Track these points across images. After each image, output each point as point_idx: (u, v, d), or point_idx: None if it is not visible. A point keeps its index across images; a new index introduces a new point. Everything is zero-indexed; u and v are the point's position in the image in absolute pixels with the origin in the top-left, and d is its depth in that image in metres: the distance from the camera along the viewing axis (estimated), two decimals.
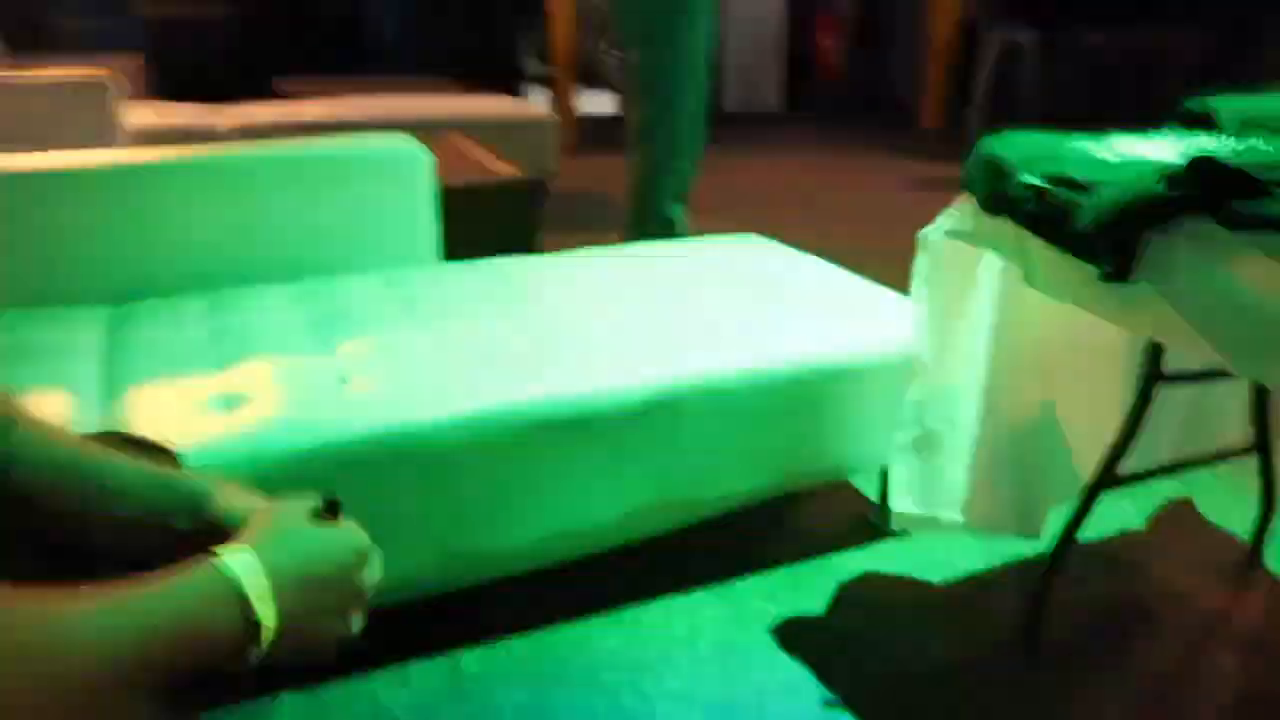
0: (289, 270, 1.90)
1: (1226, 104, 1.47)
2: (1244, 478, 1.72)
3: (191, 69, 5.78)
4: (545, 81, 6.33)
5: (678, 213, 2.54)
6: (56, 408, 1.30)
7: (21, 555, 0.72)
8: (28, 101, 2.96)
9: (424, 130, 3.42)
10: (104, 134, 3.03)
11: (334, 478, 1.25)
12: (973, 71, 5.99)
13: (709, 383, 1.49)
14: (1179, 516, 1.87)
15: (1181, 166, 1.13)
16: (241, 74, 5.54)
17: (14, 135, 2.66)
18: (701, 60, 2.49)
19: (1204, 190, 1.09)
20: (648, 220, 2.52)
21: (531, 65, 7.15)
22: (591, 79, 7.04)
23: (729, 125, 6.71)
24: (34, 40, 5.47)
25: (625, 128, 2.60)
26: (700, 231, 2.36)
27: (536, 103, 5.96)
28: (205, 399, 1.34)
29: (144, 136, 3.34)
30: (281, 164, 1.96)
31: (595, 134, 5.81)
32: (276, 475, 1.22)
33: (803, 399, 1.57)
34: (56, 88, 3.31)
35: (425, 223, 2.01)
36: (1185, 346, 1.20)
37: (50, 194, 1.79)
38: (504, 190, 2.51)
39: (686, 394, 1.48)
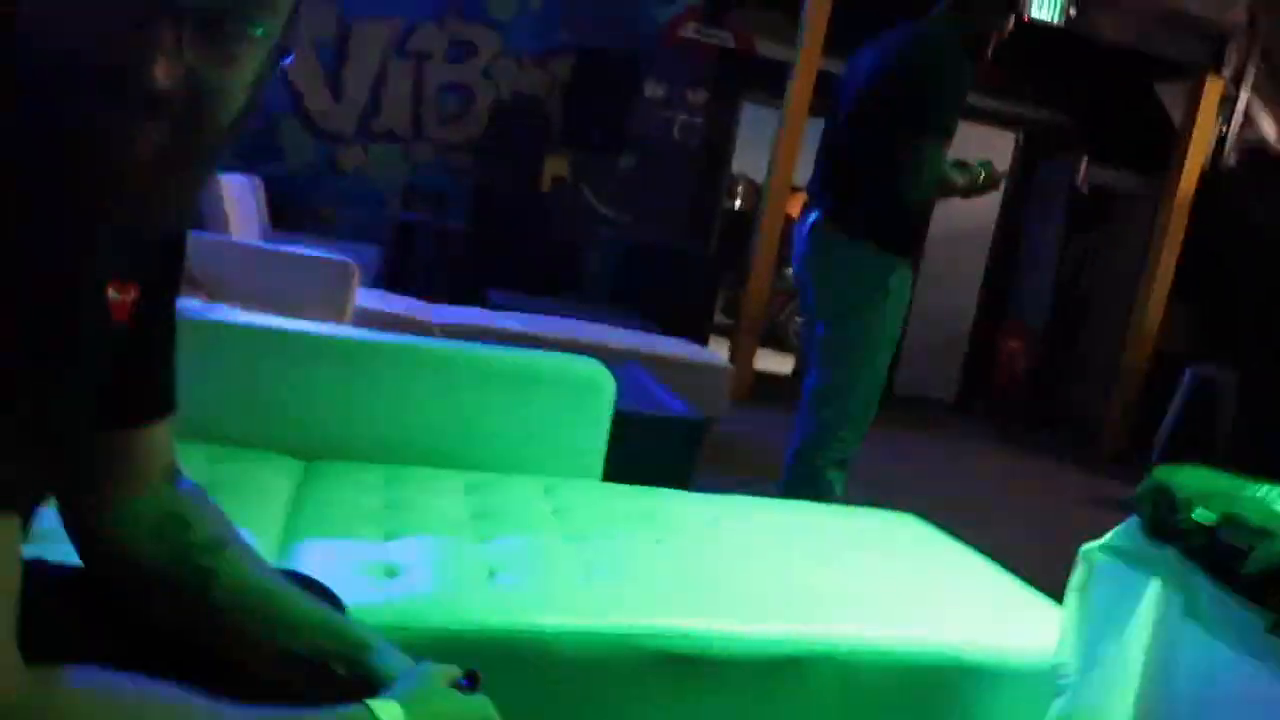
0: (464, 460, 2.04)
1: None
2: None
3: (420, 269, 6.45)
4: (730, 333, 6.66)
5: (837, 479, 2.58)
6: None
7: (199, 668, 0.79)
8: (285, 272, 3.39)
9: (610, 357, 3.67)
10: (339, 310, 3.44)
11: (466, 661, 1.30)
12: (1164, 402, 5.88)
13: (837, 647, 1.47)
14: None
15: None
16: (462, 279, 6.14)
17: (266, 298, 3.04)
18: (888, 343, 2.60)
19: None
20: (808, 480, 2.56)
21: (720, 317, 7.55)
22: (771, 339, 7.33)
23: (899, 408, 6.77)
24: (294, 222, 6.30)
25: (802, 390, 2.71)
26: (855, 502, 2.38)
27: (717, 350, 6.25)
28: (368, 563, 1.44)
29: (369, 318, 3.74)
30: (479, 363, 2.15)
31: (766, 389, 6.00)
32: (415, 648, 1.28)
33: (934, 689, 1.52)
34: (311, 264, 3.80)
35: (595, 442, 2.14)
36: None
37: (280, 351, 2.03)
38: (671, 424, 2.62)
39: (812, 658, 1.46)
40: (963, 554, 1.99)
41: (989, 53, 2.58)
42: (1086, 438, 6.66)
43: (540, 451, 2.12)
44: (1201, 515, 1.28)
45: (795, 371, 7.35)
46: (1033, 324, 7.65)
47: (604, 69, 7.15)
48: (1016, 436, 6.52)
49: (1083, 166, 7.29)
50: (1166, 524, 1.32)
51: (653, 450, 2.52)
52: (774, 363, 7.88)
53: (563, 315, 4.77)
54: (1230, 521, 1.24)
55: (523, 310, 4.73)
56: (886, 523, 2.13)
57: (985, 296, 7.67)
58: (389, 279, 6.07)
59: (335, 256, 3.95)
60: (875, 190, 2.51)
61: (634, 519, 1.83)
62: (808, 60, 5.70)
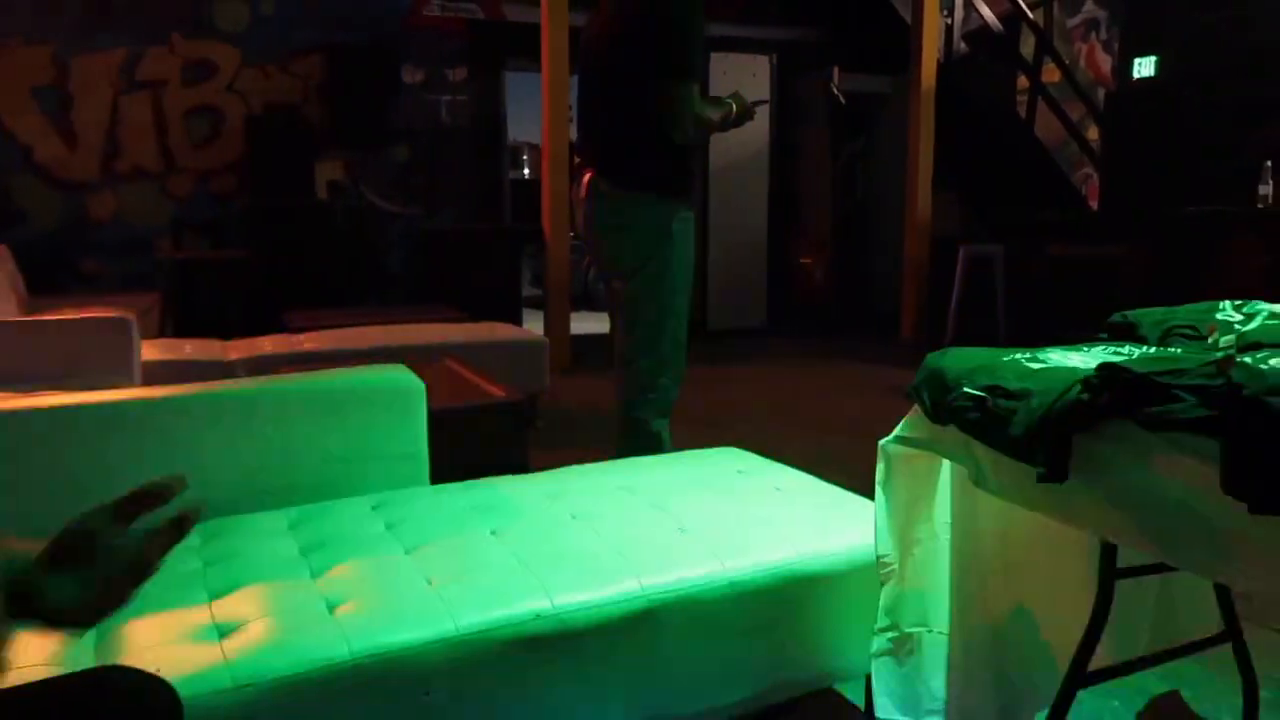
0: (285, 497, 1.97)
1: (1147, 316, 1.60)
2: (1229, 664, 1.73)
3: (207, 307, 6.11)
4: (542, 305, 6.66)
5: (663, 428, 2.65)
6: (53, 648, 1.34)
7: None
8: (54, 341, 3.13)
9: (421, 357, 3.61)
10: (124, 370, 3.21)
11: (320, 702, 1.29)
12: (948, 285, 6.33)
13: (685, 594, 1.54)
14: (1167, 711, 1.86)
15: (1099, 374, 1.24)
16: (254, 309, 5.86)
17: (37, 374, 2.81)
18: (684, 288, 2.68)
19: (1116, 395, 1.19)
20: (635, 436, 2.63)
21: (529, 290, 7.53)
22: (586, 301, 7.37)
23: (715, 342, 7.00)
24: (54, 284, 5.83)
25: (614, 350, 2.76)
26: (685, 445, 2.46)
27: (531, 326, 6.25)
28: (197, 628, 1.39)
29: (160, 372, 3.52)
30: (280, 394, 2.08)
31: (589, 353, 6.06)
32: (264, 701, 1.25)
33: (779, 606, 1.61)
34: (82, 326, 3.52)
35: (415, 447, 2.11)
36: (1125, 541, 1.27)
37: (59, 430, 1.89)
38: (492, 411, 2.63)
39: (664, 606, 1.52)
40: (785, 474, 2.10)
41: None
42: (887, 331, 7.09)
43: (362, 469, 2.08)
44: (970, 390, 1.40)
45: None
46: (821, 234, 8.03)
47: (355, 63, 6.92)
48: (826, 346, 6.87)
49: (835, 76, 7.67)
50: (942, 405, 1.44)
51: (479, 440, 2.52)
52: (594, 324, 7.95)
53: (367, 324, 4.65)
54: (994, 391, 1.37)
55: (325, 327, 4.58)
56: (712, 460, 2.22)
57: (773, 217, 7.98)
58: (176, 325, 5.73)
59: (108, 314, 3.69)
60: (640, 140, 2.56)
61: (468, 515, 1.83)
62: (557, 18, 5.70)
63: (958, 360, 1.50)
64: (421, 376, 2.29)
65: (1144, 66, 7.42)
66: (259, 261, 6.26)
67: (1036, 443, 1.27)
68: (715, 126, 2.67)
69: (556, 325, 6.00)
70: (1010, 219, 6.80)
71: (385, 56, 7.03)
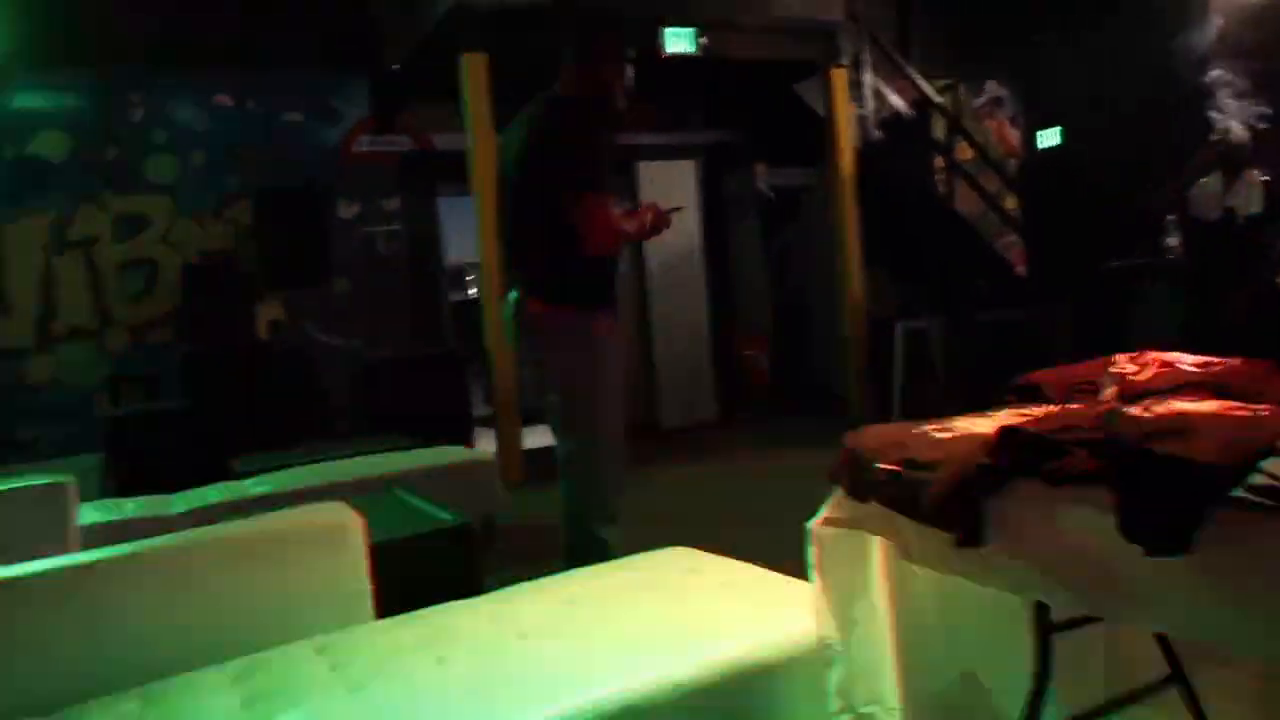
0: (230, 649, 1.93)
1: (1050, 376, 1.66)
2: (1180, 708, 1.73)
3: (150, 461, 5.99)
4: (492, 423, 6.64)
5: (609, 534, 2.65)
6: None
7: None
8: None
9: (369, 489, 3.58)
10: (60, 538, 3.13)
11: None
12: (889, 360, 6.46)
13: (633, 704, 1.52)
14: None
15: (997, 438, 1.28)
16: (199, 459, 5.76)
17: None
18: (615, 395, 2.71)
19: (1017, 456, 1.23)
20: (581, 546, 2.62)
21: (480, 409, 7.53)
22: (538, 415, 7.36)
23: (669, 441, 7.02)
24: None
25: (556, 461, 2.78)
26: (637, 548, 2.46)
27: (480, 446, 6.23)
28: None
29: (99, 534, 3.44)
30: (217, 543, 2.06)
31: (546, 467, 6.04)
32: None
33: (729, 703, 1.59)
34: (15, 497, 3.44)
35: (357, 584, 2.09)
36: (1048, 598, 1.29)
37: None
38: (438, 537, 2.61)
39: (613, 713, 1.50)
40: (734, 569, 2.11)
41: (620, 102, 2.77)
42: (835, 412, 7.17)
43: (305, 612, 2.04)
44: (884, 466, 1.43)
45: None
46: (762, 324, 8.18)
47: (289, 204, 7.02)
48: (777, 433, 6.91)
49: (759, 173, 7.94)
50: (861, 483, 1.47)
51: (426, 568, 2.49)
52: (549, 437, 7.93)
53: (316, 460, 4.60)
54: (907, 464, 1.41)
55: (271, 470, 4.52)
56: (660, 562, 2.22)
57: (714, 312, 8.12)
58: (120, 483, 5.62)
59: (42, 480, 3.61)
60: (558, 256, 2.63)
61: (414, 647, 1.80)
62: (482, 142, 5.86)
63: (874, 438, 1.54)
64: (367, 509, 2.27)
65: (1048, 137, 7.80)
66: (202, 409, 6.19)
67: (950, 510, 1.30)
68: (631, 237, 2.75)
69: (507, 442, 5.99)
70: (942, 292, 7.01)
71: (318, 195, 7.15)
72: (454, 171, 6.67)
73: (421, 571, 2.45)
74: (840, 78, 7.15)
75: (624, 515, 2.75)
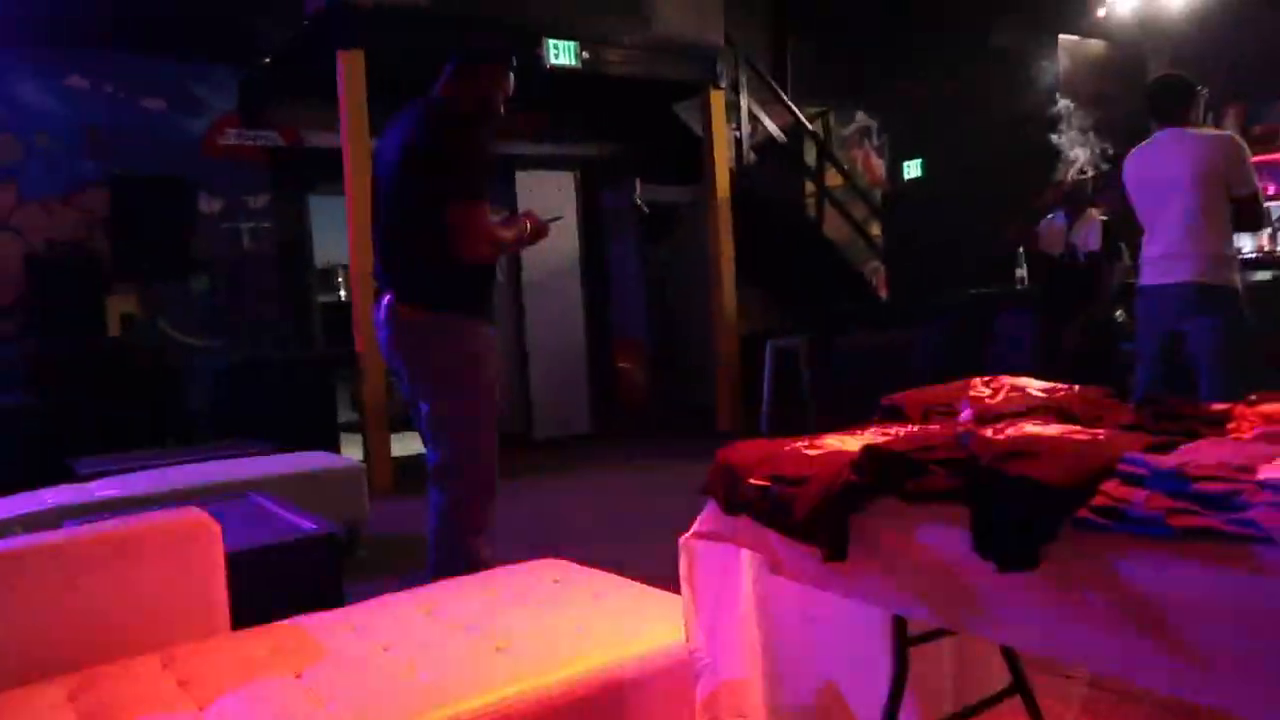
0: (67, 663, 1.81)
1: (912, 398, 1.74)
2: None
3: None
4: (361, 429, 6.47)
5: (480, 546, 2.62)
6: None
7: None
8: None
9: (227, 495, 3.42)
10: None
11: None
12: (759, 376, 6.62)
13: (497, 716, 1.50)
14: None
15: (861, 456, 1.33)
16: (41, 459, 5.39)
17: None
18: (490, 405, 2.68)
19: (879, 474, 1.28)
20: (451, 558, 2.58)
21: (347, 414, 7.31)
22: (406, 423, 7.21)
23: (541, 453, 7.01)
24: None
25: (426, 471, 2.72)
26: (507, 561, 2.43)
27: (354, 452, 6.05)
28: None
29: None
30: (59, 550, 1.93)
31: (416, 475, 5.91)
32: None
33: (597, 714, 1.60)
34: None
35: (212, 594, 2.00)
36: (906, 611, 1.35)
37: None
38: (298, 546, 2.52)
39: None
40: (603, 581, 2.11)
41: (500, 108, 2.76)
42: (706, 426, 7.29)
43: (154, 624, 1.94)
44: (756, 482, 1.47)
45: None
46: (637, 337, 8.25)
47: (147, 194, 6.68)
48: (650, 447, 6.98)
49: (636, 188, 8.02)
50: (734, 497, 1.50)
51: (286, 578, 2.40)
52: (419, 445, 7.77)
53: (168, 464, 4.37)
54: (777, 480, 1.45)
55: (119, 472, 4.27)
56: (529, 573, 2.20)
57: (590, 325, 8.14)
58: None
59: None
60: (435, 261, 2.59)
61: (270, 660, 1.74)
62: (357, 142, 5.72)
63: (746, 453, 1.58)
64: (223, 517, 2.18)
65: (912, 168, 8.19)
66: (46, 407, 5.80)
67: (818, 525, 1.34)
68: (509, 245, 2.74)
69: (376, 449, 5.85)
70: (810, 312, 7.24)
71: (179, 186, 6.83)
72: (326, 171, 6.48)
73: (281, 581, 2.37)
74: (718, 100, 7.31)
75: (494, 527, 2.73)
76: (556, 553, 2.36)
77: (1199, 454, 1.13)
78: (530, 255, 7.48)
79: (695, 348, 8.17)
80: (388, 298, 2.67)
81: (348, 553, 3.95)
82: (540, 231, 2.78)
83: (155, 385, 6.49)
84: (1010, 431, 1.29)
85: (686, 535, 1.62)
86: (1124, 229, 4.80)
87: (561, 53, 6.49)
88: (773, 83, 8.33)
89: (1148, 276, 3.70)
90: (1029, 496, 1.09)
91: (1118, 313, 4.90)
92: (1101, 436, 1.26)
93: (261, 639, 1.86)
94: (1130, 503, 1.04)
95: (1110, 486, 1.09)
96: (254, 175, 7.22)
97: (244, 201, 7.20)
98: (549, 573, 2.19)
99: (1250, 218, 3.62)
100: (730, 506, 1.51)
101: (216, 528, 2.02)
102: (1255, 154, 3.82)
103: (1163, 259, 3.62)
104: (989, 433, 1.29)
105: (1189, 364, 3.62)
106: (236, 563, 2.09)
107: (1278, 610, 0.91)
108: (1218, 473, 1.05)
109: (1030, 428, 1.33)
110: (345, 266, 10.36)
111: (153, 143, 6.79)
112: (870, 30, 8.61)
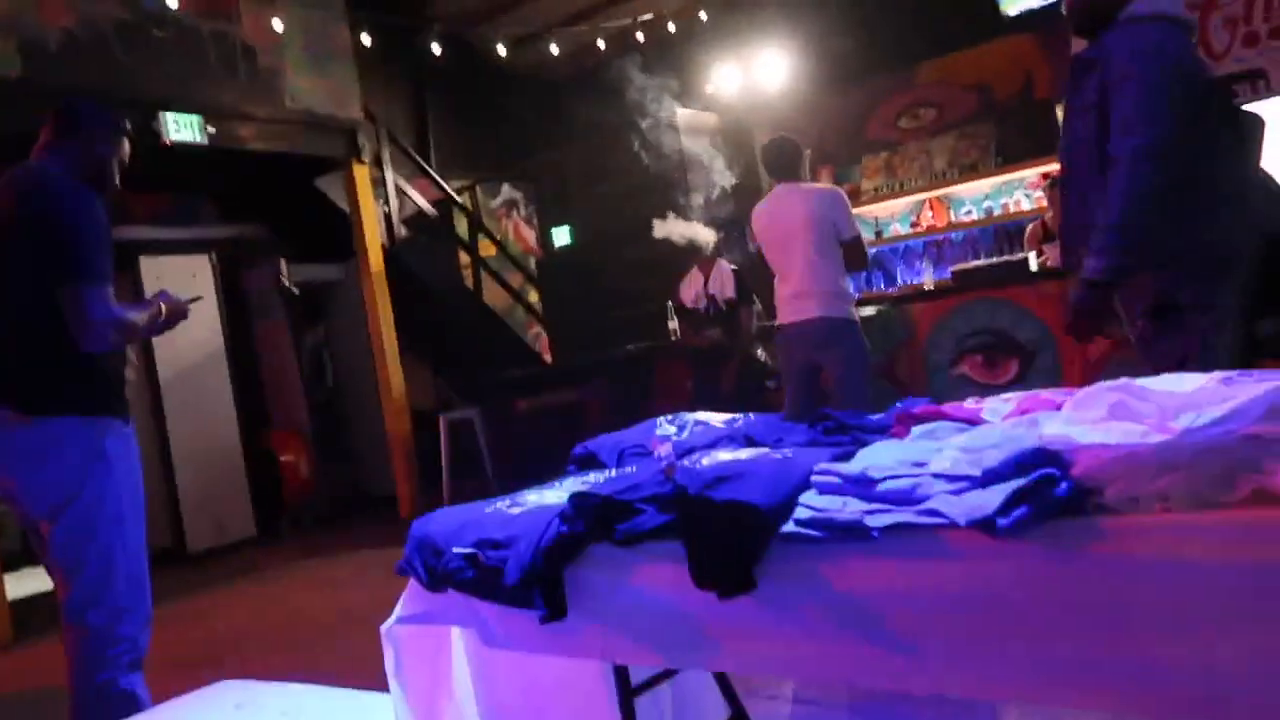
0: None
1: (603, 443, 1.73)
2: None
3: None
4: None
5: (135, 684, 2.23)
6: None
7: None
8: None
9: None
10: None
11: None
12: (437, 452, 6.44)
13: None
14: None
15: (570, 505, 1.29)
16: None
17: None
18: (134, 515, 2.33)
19: (590, 521, 1.25)
20: (100, 703, 2.18)
21: None
22: (29, 556, 6.20)
23: (197, 568, 6.36)
24: None
25: (58, 606, 2.29)
26: (173, 694, 2.11)
27: None
28: None
29: None
30: None
31: (41, 617, 5.04)
32: None
33: None
34: None
35: None
36: (632, 659, 1.32)
37: None
38: None
39: None
40: (292, 695, 1.89)
41: (115, 180, 2.45)
42: (387, 511, 6.96)
43: None
44: (460, 550, 1.38)
45: None
46: (298, 427, 7.73)
47: None
48: (327, 542, 6.52)
49: (282, 268, 7.59)
50: (437, 572, 1.40)
51: None
52: (41, 581, 6.68)
53: None
54: (483, 545, 1.36)
55: None
56: (205, 701, 1.93)
57: (244, 419, 7.51)
58: None
59: None
60: (50, 356, 2.22)
61: None
62: None
63: (444, 522, 1.48)
64: None
65: (561, 235, 8.49)
66: None
67: (531, 587, 1.28)
68: (140, 331, 2.42)
69: None
70: (480, 382, 7.17)
71: None
72: None
73: None
74: (362, 173, 7.12)
75: (152, 658, 2.35)
76: (233, 673, 2.09)
77: (875, 457, 1.21)
78: (166, 349, 6.82)
79: (364, 430, 7.81)
80: None
81: None
82: (177, 312, 2.48)
83: None
84: (708, 461, 1.31)
85: (388, 623, 1.48)
86: (752, 276, 5.29)
87: (183, 127, 6.00)
88: (417, 157, 8.29)
89: (783, 315, 4.08)
90: (741, 518, 1.10)
91: (759, 352, 5.35)
92: (790, 454, 1.32)
93: None
94: (831, 510, 1.09)
95: (809, 499, 1.13)
96: None
97: None
98: (230, 696, 1.92)
99: (856, 258, 4.12)
100: (434, 582, 1.40)
101: None
102: None
103: (793, 298, 4.01)
104: (687, 463, 1.30)
105: (828, 389, 4.02)
106: None
107: (973, 593, 0.98)
108: (895, 470, 1.13)
109: (724, 455, 1.36)
110: None
111: None
112: (502, 108, 8.88)
